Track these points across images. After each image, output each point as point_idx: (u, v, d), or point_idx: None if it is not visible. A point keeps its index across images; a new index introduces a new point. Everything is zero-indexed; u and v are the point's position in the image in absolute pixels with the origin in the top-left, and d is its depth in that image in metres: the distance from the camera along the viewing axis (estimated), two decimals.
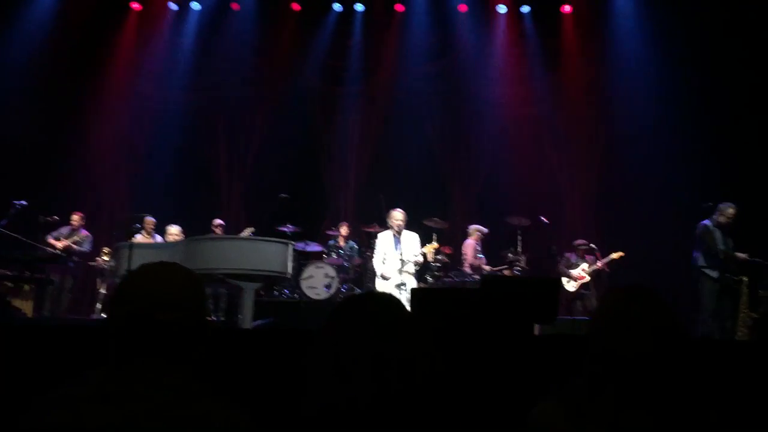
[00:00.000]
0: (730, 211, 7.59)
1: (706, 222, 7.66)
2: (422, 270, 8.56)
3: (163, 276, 1.53)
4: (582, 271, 9.31)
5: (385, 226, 8.39)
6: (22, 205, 7.87)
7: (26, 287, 7.49)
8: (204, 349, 1.52)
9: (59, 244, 8.94)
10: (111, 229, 9.90)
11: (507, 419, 2.29)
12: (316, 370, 1.44)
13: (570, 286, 9.29)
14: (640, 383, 1.54)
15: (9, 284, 6.96)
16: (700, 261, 7.61)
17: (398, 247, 7.86)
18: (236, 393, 1.66)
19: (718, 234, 7.59)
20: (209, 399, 1.43)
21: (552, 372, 2.76)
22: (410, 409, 1.39)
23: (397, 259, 7.79)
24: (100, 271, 9.46)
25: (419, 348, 1.45)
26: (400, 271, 7.78)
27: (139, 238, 8.79)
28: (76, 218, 9.29)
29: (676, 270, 8.84)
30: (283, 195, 9.40)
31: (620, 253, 9.16)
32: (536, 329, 5.59)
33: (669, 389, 1.54)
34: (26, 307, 7.74)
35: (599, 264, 9.23)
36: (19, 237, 7.59)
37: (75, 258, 9.21)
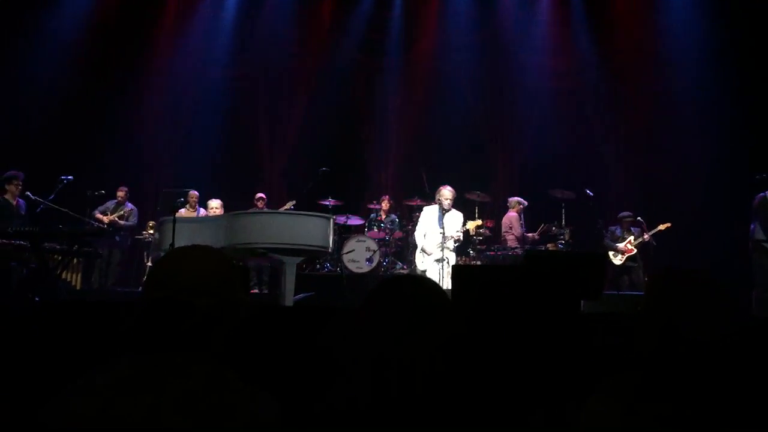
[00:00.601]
0: None
1: (765, 193, 7.42)
2: (464, 244, 8.49)
3: (196, 260, 1.49)
4: (628, 244, 9.11)
5: (426, 199, 8.32)
6: (68, 179, 7.99)
7: (74, 260, 7.64)
8: (238, 333, 1.49)
9: (106, 219, 9.11)
10: (156, 203, 10.05)
11: (555, 402, 2.22)
12: (341, 358, 1.39)
13: (616, 259, 9.11)
14: (700, 374, 1.44)
15: (57, 257, 7.09)
16: (759, 234, 7.37)
17: (441, 223, 7.82)
18: (270, 374, 1.62)
19: None
20: (239, 387, 1.40)
21: (600, 354, 2.67)
22: (432, 400, 1.33)
23: (438, 234, 7.74)
24: (147, 244, 9.63)
25: (423, 348, 1.38)
26: (441, 247, 7.73)
27: (183, 212, 8.89)
28: (121, 193, 9.45)
29: (725, 242, 8.60)
30: (324, 168, 9.39)
31: (667, 224, 8.94)
32: (582, 305, 5.48)
33: (731, 380, 1.44)
34: (75, 279, 7.93)
35: (646, 236, 9.02)
36: (67, 211, 7.73)
37: (122, 232, 9.38)
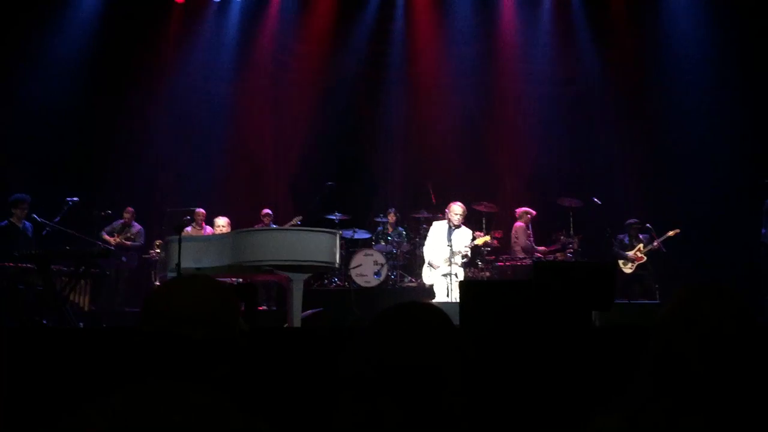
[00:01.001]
0: None
1: None
2: (472, 255, 8.45)
3: (192, 291, 1.46)
4: (638, 252, 9.03)
5: (432, 211, 8.30)
6: (74, 201, 8.00)
7: (82, 282, 7.62)
8: (235, 362, 1.45)
9: (113, 240, 9.12)
10: (162, 222, 10.04)
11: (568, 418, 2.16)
12: (345, 390, 1.35)
13: (626, 268, 9.03)
14: (715, 396, 1.39)
15: (65, 279, 7.09)
16: None
17: (450, 238, 7.83)
18: (276, 397, 1.58)
19: None
20: (237, 418, 1.36)
21: (615, 366, 2.61)
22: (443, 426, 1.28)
23: (447, 249, 7.73)
24: (154, 264, 9.61)
25: (452, 366, 1.34)
26: (449, 262, 7.71)
27: (189, 230, 8.87)
28: (127, 214, 9.46)
29: (735, 247, 8.53)
30: (330, 183, 9.38)
31: (676, 231, 8.87)
32: (594, 316, 5.42)
33: (744, 402, 1.38)
34: (82, 301, 7.90)
35: (655, 243, 8.94)
36: (73, 233, 7.73)
37: (129, 252, 9.38)
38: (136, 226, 9.52)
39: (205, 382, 1.39)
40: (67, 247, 7.20)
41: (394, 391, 1.30)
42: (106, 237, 9.10)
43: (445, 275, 7.68)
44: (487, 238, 8.14)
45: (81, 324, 6.89)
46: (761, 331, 1.44)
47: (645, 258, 9.00)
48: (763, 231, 7.42)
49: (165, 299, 1.44)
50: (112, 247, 8.76)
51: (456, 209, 7.95)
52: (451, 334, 1.39)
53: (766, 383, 1.40)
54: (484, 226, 8.75)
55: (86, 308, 7.93)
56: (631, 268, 9.02)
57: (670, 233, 8.91)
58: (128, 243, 9.33)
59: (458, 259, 7.84)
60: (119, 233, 9.34)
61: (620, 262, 9.03)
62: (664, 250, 8.94)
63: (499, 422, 1.34)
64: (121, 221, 9.43)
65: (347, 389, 1.33)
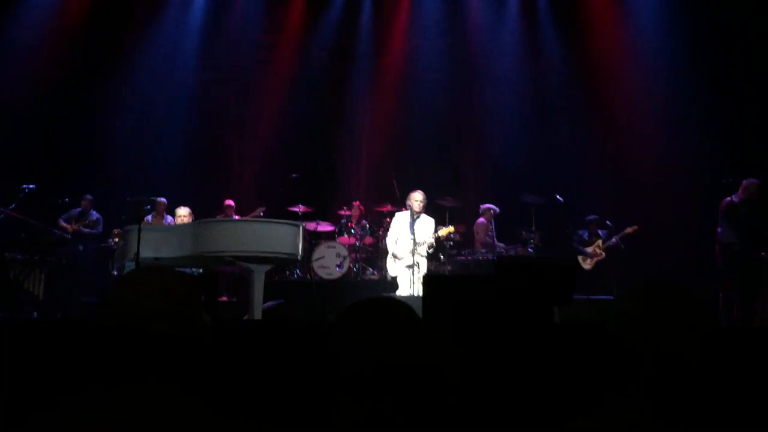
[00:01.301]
0: (754, 187, 7.46)
1: (732, 198, 7.57)
2: (435, 249, 8.49)
3: (155, 285, 1.42)
4: (597, 248, 9.18)
5: (397, 205, 8.31)
6: (30, 188, 7.83)
7: (37, 270, 7.47)
8: (200, 357, 1.42)
9: (69, 228, 8.94)
10: (122, 211, 9.86)
11: (532, 416, 2.19)
12: (332, 388, 1.34)
13: (585, 264, 9.17)
14: (682, 395, 1.41)
15: (20, 267, 6.93)
16: (726, 237, 7.51)
17: (413, 229, 7.81)
18: (240, 397, 1.56)
19: (743, 210, 7.48)
20: (203, 414, 1.33)
21: (576, 364, 2.64)
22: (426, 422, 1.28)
23: (410, 240, 7.73)
24: (112, 253, 9.44)
25: (420, 362, 1.34)
26: (413, 252, 7.72)
27: (150, 219, 8.74)
28: (85, 202, 9.28)
29: (693, 245, 8.72)
30: (294, 175, 9.33)
31: (634, 227, 9.04)
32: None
33: (709, 399, 1.41)
34: (38, 290, 7.73)
35: (613, 240, 9.10)
36: (29, 220, 7.56)
37: (86, 241, 9.20)
38: (94, 215, 9.34)
39: (172, 380, 1.36)
40: (23, 235, 7.05)
41: (395, 391, 1.30)
42: (63, 225, 8.91)
43: (409, 266, 7.69)
44: (451, 228, 8.15)
45: (35, 314, 6.75)
46: (716, 329, 1.47)
47: (603, 254, 9.15)
48: (719, 230, 7.60)
49: (127, 293, 1.40)
50: (69, 235, 8.59)
51: (416, 196, 7.93)
52: (421, 332, 1.40)
53: (721, 380, 1.43)
54: (447, 220, 8.79)
55: (41, 297, 7.77)
56: (590, 264, 9.17)
57: (629, 230, 9.08)
58: (86, 231, 9.15)
59: (423, 250, 7.84)
60: (77, 221, 9.15)
61: (579, 257, 9.17)
62: (622, 246, 9.11)
63: (468, 418, 1.35)
64: (79, 209, 9.25)
65: (346, 390, 1.32)
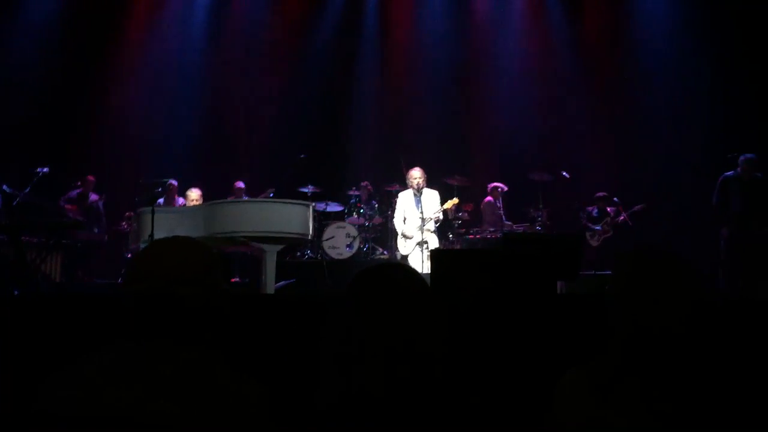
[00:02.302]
0: (747, 163, 7.55)
1: (728, 173, 7.65)
2: (444, 227, 8.56)
3: (178, 251, 1.52)
4: (605, 225, 9.23)
5: (405, 184, 8.37)
6: (44, 171, 7.94)
7: (53, 253, 7.60)
8: (221, 322, 1.52)
9: (71, 208, 8.99)
10: (134, 194, 9.97)
11: (534, 383, 2.28)
12: (327, 357, 1.41)
13: (593, 240, 9.23)
14: (666, 362, 1.48)
15: (36, 250, 7.06)
16: (717, 210, 7.67)
17: (419, 205, 7.88)
18: (255, 362, 1.65)
19: (735, 186, 7.57)
20: (226, 373, 1.43)
21: (577, 333, 2.73)
22: (421, 395, 1.34)
23: (418, 218, 7.80)
24: (125, 236, 9.55)
25: (426, 327, 1.40)
26: (422, 229, 7.79)
27: (161, 202, 8.84)
28: (86, 183, 9.32)
29: (701, 222, 8.75)
30: (303, 155, 9.40)
31: (642, 205, 9.08)
32: (559, 287, 5.58)
33: (695, 368, 1.47)
34: (54, 272, 7.88)
35: (621, 217, 9.15)
36: (43, 204, 7.69)
37: (99, 223, 9.31)
38: (93, 196, 9.40)
39: (194, 340, 1.46)
40: (38, 219, 7.17)
41: (377, 362, 1.35)
42: (68, 207, 8.98)
43: (419, 243, 7.76)
44: (456, 200, 8.18)
45: None
46: (702, 297, 1.54)
47: (611, 231, 9.21)
48: (713, 202, 7.79)
49: (152, 259, 1.50)
50: (82, 219, 8.70)
51: (414, 174, 8.00)
52: (428, 301, 1.46)
53: (710, 349, 1.50)
54: (456, 197, 8.85)
55: (57, 279, 7.91)
56: (597, 241, 9.22)
57: (637, 207, 9.12)
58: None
59: (431, 225, 7.92)
60: (75, 203, 9.21)
61: (587, 234, 9.23)
62: (630, 223, 9.15)
63: (469, 385, 1.42)
64: (78, 190, 9.30)
65: (329, 362, 1.39)
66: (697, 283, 1.55)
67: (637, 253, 1.62)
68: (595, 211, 9.42)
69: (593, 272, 7.75)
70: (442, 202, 8.02)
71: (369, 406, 1.32)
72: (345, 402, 1.34)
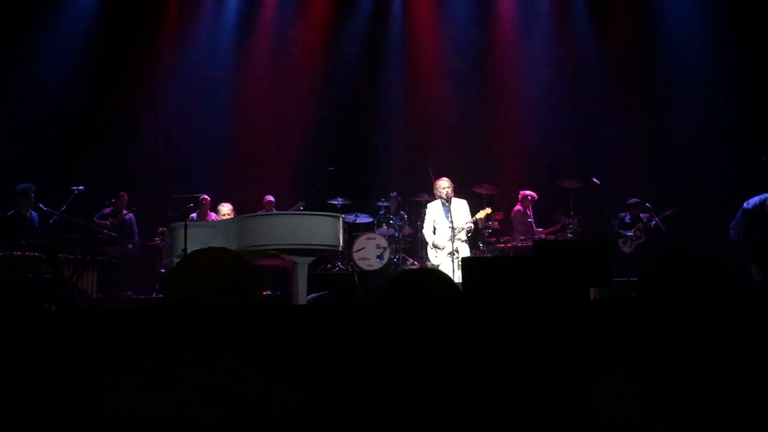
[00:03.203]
0: None
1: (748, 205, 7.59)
2: (474, 237, 8.54)
3: (214, 261, 1.55)
4: (637, 231, 9.12)
5: (433, 195, 8.37)
6: (80, 190, 8.10)
7: (89, 269, 7.73)
8: (256, 331, 1.54)
9: (104, 223, 9.13)
10: (167, 209, 10.12)
11: (565, 388, 2.26)
12: (358, 353, 1.43)
13: (626, 247, 9.12)
14: (696, 361, 1.48)
15: (72, 266, 7.18)
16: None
17: (448, 215, 7.87)
18: (289, 371, 1.67)
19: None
20: (261, 380, 1.45)
21: (610, 338, 2.71)
22: (448, 391, 1.36)
23: (448, 228, 7.79)
24: (159, 251, 9.68)
25: (457, 328, 1.42)
26: (452, 239, 7.77)
27: (195, 217, 8.96)
28: (119, 200, 9.48)
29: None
30: (331, 168, 9.46)
31: (674, 209, 8.96)
32: (592, 293, 5.52)
33: (715, 360, 1.47)
34: (90, 288, 8.01)
35: (654, 222, 9.04)
36: (79, 221, 7.84)
37: (134, 240, 9.46)
38: (127, 214, 9.51)
39: (229, 348, 1.49)
40: (74, 236, 7.30)
41: (406, 353, 1.38)
42: (101, 222, 9.13)
43: (450, 253, 7.75)
44: (488, 210, 8.16)
45: None
46: (726, 290, 1.53)
47: (643, 237, 9.09)
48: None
49: (187, 269, 1.54)
50: (116, 235, 8.84)
51: (442, 184, 8.00)
52: (459, 302, 1.48)
53: (730, 337, 1.50)
54: (485, 206, 8.83)
55: (94, 296, 8.04)
56: (630, 247, 9.11)
57: (668, 212, 9.01)
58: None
59: (462, 235, 7.90)
60: (109, 219, 9.36)
61: (620, 241, 9.13)
62: (663, 228, 9.03)
63: (500, 385, 1.43)
64: (111, 208, 9.45)
65: (362, 351, 1.41)
66: (722, 281, 1.55)
67: (659, 256, 1.64)
68: (628, 217, 9.32)
69: (626, 279, 7.65)
70: (472, 212, 8.00)
71: (393, 404, 1.34)
72: (370, 397, 1.36)
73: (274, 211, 9.47)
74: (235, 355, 1.49)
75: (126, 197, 9.58)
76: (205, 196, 9.38)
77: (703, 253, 1.63)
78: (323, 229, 6.32)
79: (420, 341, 1.39)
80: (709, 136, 9.75)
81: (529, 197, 9.44)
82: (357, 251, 8.84)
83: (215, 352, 1.47)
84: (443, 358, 1.38)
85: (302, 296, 6.28)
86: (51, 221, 7.82)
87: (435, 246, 8.01)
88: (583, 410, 1.56)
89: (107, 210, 9.40)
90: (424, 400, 1.36)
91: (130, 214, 9.54)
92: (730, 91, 9.61)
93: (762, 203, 7.26)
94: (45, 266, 6.94)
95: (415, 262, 9.18)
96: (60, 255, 6.94)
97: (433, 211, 8.09)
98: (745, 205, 7.39)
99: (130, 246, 9.36)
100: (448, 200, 7.93)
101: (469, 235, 8.07)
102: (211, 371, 1.43)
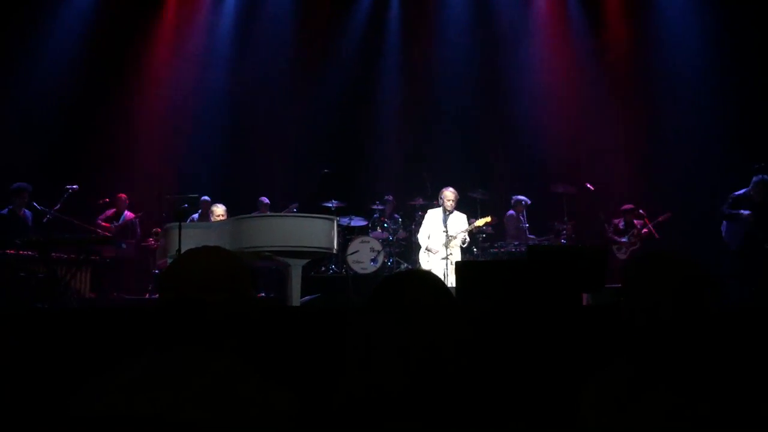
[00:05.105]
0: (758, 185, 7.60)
1: (738, 192, 7.74)
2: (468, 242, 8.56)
3: (209, 260, 1.56)
4: (631, 237, 9.15)
5: (428, 199, 8.41)
6: (73, 189, 8.10)
7: (82, 269, 7.72)
8: (251, 330, 1.55)
9: (110, 227, 9.18)
10: (161, 210, 10.11)
11: (557, 392, 2.28)
12: (350, 357, 1.44)
13: (620, 253, 9.14)
14: (661, 357, 1.50)
15: (66, 266, 7.17)
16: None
17: (445, 224, 7.99)
18: (283, 372, 1.68)
19: (746, 206, 7.64)
20: (255, 380, 1.46)
21: (602, 343, 2.73)
22: (440, 396, 1.37)
23: (443, 234, 7.88)
24: (152, 252, 9.68)
25: (449, 334, 1.43)
26: (446, 246, 7.84)
27: (196, 219, 8.97)
28: (119, 201, 9.51)
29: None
30: (326, 170, 9.46)
31: (668, 215, 8.99)
32: (585, 299, 5.55)
33: (692, 364, 1.48)
34: (83, 287, 7.99)
35: (647, 229, 9.06)
36: (73, 220, 7.83)
37: (127, 240, 9.46)
38: (128, 215, 9.54)
39: (223, 347, 1.49)
40: (67, 235, 7.29)
41: (397, 357, 1.38)
42: (104, 224, 9.16)
43: (443, 259, 7.82)
44: (488, 218, 8.27)
45: None
46: (707, 293, 1.54)
47: (638, 244, 9.12)
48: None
49: (182, 268, 1.54)
50: (111, 234, 8.84)
51: (448, 195, 8.13)
52: (449, 304, 1.49)
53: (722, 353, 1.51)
54: (478, 212, 8.85)
55: (87, 295, 8.02)
56: (625, 254, 9.14)
57: (661, 218, 9.04)
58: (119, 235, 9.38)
59: (456, 243, 7.99)
60: (111, 222, 9.39)
61: (614, 247, 9.15)
62: (657, 235, 9.06)
63: (493, 390, 1.43)
64: (113, 210, 9.47)
65: (354, 355, 1.42)
66: (703, 285, 1.56)
67: (641, 257, 1.66)
68: (622, 223, 9.34)
69: (619, 285, 7.69)
70: (471, 222, 8.12)
71: (385, 406, 1.34)
72: (362, 401, 1.36)
73: (269, 213, 9.47)
74: (230, 355, 1.50)
75: (124, 198, 9.59)
76: (206, 197, 9.38)
77: (692, 259, 1.63)
78: (317, 231, 6.32)
79: (411, 345, 1.39)
80: (704, 142, 9.78)
81: (522, 202, 9.47)
82: (351, 254, 8.85)
83: (209, 353, 1.48)
84: (435, 361, 1.39)
85: (296, 298, 6.28)
86: (44, 220, 7.81)
87: (428, 250, 8.06)
88: (573, 416, 1.58)
89: (110, 212, 9.41)
90: (416, 405, 1.36)
91: (134, 217, 9.58)
92: (726, 97, 9.65)
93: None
94: (38, 265, 6.93)
95: (409, 266, 9.18)
96: (53, 254, 6.92)
97: (432, 218, 8.20)
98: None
99: (123, 246, 9.35)
100: (451, 211, 8.06)
101: (464, 246, 8.16)
102: (205, 371, 1.44)
